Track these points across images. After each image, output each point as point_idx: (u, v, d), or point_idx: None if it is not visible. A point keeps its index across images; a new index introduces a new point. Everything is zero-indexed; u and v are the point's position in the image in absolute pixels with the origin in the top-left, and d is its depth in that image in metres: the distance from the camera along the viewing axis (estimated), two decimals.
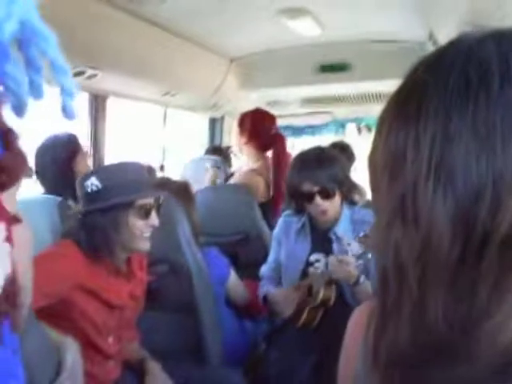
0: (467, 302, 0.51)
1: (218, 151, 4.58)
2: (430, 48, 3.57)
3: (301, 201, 2.54)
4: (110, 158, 3.77)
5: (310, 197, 2.47)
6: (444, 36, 3.17)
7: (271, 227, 3.45)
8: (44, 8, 1.83)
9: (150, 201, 2.10)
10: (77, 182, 2.09)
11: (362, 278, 2.32)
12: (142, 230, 2.07)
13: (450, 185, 0.50)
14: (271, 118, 3.85)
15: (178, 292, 2.48)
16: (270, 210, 3.68)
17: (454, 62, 0.55)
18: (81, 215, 2.06)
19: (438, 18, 3.13)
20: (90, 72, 3.11)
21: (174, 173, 4.10)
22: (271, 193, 3.73)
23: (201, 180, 3.47)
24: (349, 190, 2.60)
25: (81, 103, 3.61)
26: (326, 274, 2.42)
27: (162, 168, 4.47)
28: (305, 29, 3.64)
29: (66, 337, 1.61)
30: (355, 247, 2.29)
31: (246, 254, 3.25)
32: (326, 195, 2.46)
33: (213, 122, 5.20)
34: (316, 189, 2.45)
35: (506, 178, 0.48)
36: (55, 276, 1.89)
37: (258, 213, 3.48)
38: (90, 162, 3.30)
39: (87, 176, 2.04)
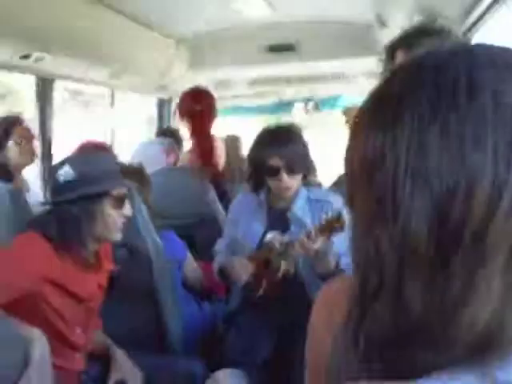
0: (443, 292, 0.55)
1: (169, 133, 4.54)
2: (378, 31, 3.63)
3: (266, 175, 2.54)
4: (58, 141, 3.70)
5: (275, 171, 2.49)
6: (393, 19, 3.23)
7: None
8: None
9: (124, 190, 2.07)
10: (48, 171, 2.04)
11: (325, 254, 2.36)
12: (116, 220, 2.05)
13: (426, 185, 0.55)
14: (199, 95, 3.85)
15: (138, 277, 2.47)
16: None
17: (425, 75, 0.59)
18: (52, 205, 2.01)
19: (386, 2, 3.18)
20: (36, 55, 3.03)
21: (123, 155, 4.04)
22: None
23: (153, 162, 3.43)
24: (308, 170, 2.64)
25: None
26: (287, 249, 2.45)
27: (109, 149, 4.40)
28: (254, 9, 3.64)
29: (34, 329, 1.59)
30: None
31: (201, 237, 3.25)
32: (292, 171, 2.49)
33: (161, 104, 5.15)
34: (282, 164, 2.47)
35: (476, 178, 0.53)
36: (23, 269, 1.84)
37: (213, 195, 3.49)
38: (37, 146, 3.25)
39: (59, 165, 1.99)
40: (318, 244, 2.31)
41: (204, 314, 2.96)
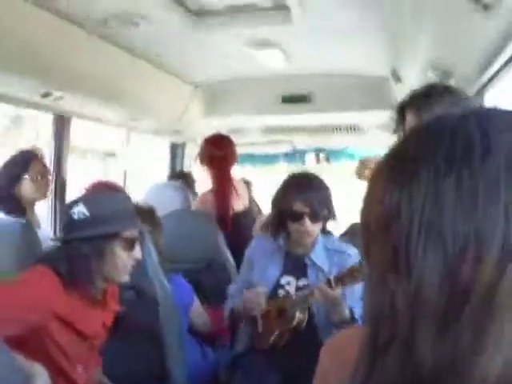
0: (454, 346, 0.56)
1: (182, 177, 4.58)
2: (392, 84, 3.68)
3: (289, 219, 2.59)
4: (72, 180, 3.74)
5: (299, 216, 2.54)
6: (407, 74, 3.28)
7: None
8: (14, 30, 1.85)
9: (135, 233, 2.09)
10: (60, 208, 2.07)
11: (342, 302, 2.40)
12: (125, 262, 2.06)
13: (439, 242, 0.57)
14: (221, 141, 4.00)
15: (144, 319, 2.47)
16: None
17: (440, 136, 0.62)
18: (63, 242, 2.03)
19: (402, 56, 3.24)
20: (56, 94, 3.09)
21: (136, 197, 4.07)
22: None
23: (165, 206, 3.46)
24: (329, 218, 2.69)
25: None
26: (304, 298, 2.47)
27: (123, 190, 4.44)
28: (271, 60, 3.71)
29: (37, 364, 1.59)
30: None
31: (208, 282, 3.25)
32: (315, 217, 2.55)
33: (174, 148, 5.21)
34: (307, 210, 2.53)
35: (486, 238, 0.55)
36: (31, 303, 1.85)
37: (222, 241, 3.50)
38: (49, 184, 3.28)
39: (74, 203, 2.01)
40: (337, 292, 2.35)
41: (208, 360, 2.94)
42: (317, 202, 2.54)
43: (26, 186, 2.99)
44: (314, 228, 2.58)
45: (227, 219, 3.82)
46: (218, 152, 3.89)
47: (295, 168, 5.72)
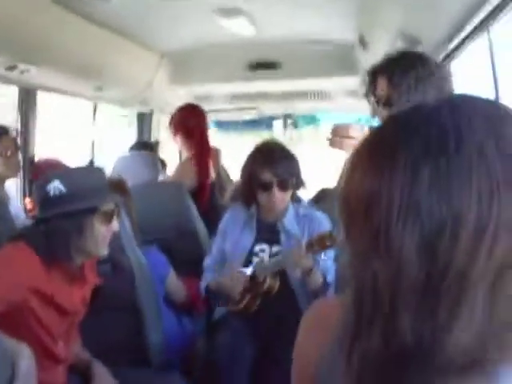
0: (431, 319, 0.62)
1: (147, 146, 4.56)
2: (359, 50, 3.70)
3: (258, 190, 2.63)
4: (40, 153, 3.70)
5: (268, 186, 2.60)
6: (374, 41, 3.30)
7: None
8: None
9: (112, 206, 2.09)
10: (36, 185, 2.05)
11: (316, 268, 2.45)
12: (104, 236, 2.06)
13: (416, 222, 0.61)
14: (198, 112, 4.01)
15: (120, 291, 2.48)
16: (201, 194, 3.82)
17: (417, 126, 0.66)
18: (40, 219, 2.02)
19: (369, 23, 3.25)
20: (22, 67, 3.04)
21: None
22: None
23: (134, 176, 3.44)
24: (298, 186, 2.74)
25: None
26: (276, 264, 2.53)
27: (91, 163, 4.41)
28: (238, 28, 3.69)
29: (21, 344, 1.60)
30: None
31: (181, 251, 3.26)
32: (284, 187, 2.61)
33: (141, 117, 5.16)
34: (276, 179, 2.59)
35: (461, 219, 0.60)
36: (11, 280, 1.85)
37: (194, 210, 3.52)
38: (19, 159, 3.24)
39: (48, 179, 1.99)
40: (310, 259, 2.39)
41: (185, 329, 2.97)
42: (284, 171, 2.60)
43: None
44: (284, 196, 2.63)
45: (207, 187, 3.86)
46: (194, 121, 3.90)
47: (264, 135, 5.76)
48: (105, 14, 3.25)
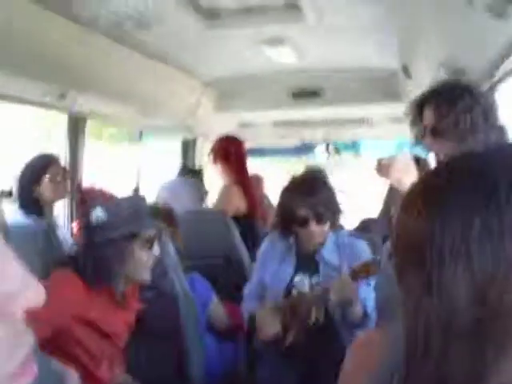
0: (479, 361, 0.63)
1: (194, 173, 4.62)
2: (402, 79, 3.71)
3: (294, 224, 2.60)
4: (87, 180, 3.79)
5: (304, 221, 2.56)
6: (418, 70, 3.30)
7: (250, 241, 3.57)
8: (29, 34, 1.89)
9: (153, 232, 2.13)
10: (79, 212, 2.11)
11: (357, 302, 2.38)
12: (145, 261, 2.10)
13: (467, 270, 0.63)
14: (237, 142, 4.08)
15: (163, 318, 2.51)
16: (249, 221, 3.85)
17: (469, 175, 0.68)
18: (84, 245, 2.08)
19: (413, 52, 3.26)
20: (71, 95, 3.13)
21: (149, 194, 4.11)
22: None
23: (179, 202, 3.50)
24: (336, 217, 2.69)
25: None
26: (321, 295, 2.46)
27: (136, 190, 4.48)
28: (282, 57, 3.74)
29: (67, 367, 1.63)
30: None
31: (224, 277, 3.29)
32: (320, 220, 2.56)
33: (186, 144, 5.24)
34: (311, 214, 2.54)
35: (510, 270, 0.61)
36: (58, 308, 1.90)
37: (237, 236, 3.54)
38: (67, 185, 3.33)
39: (91, 207, 2.06)
40: (353, 289, 2.35)
41: (226, 355, 2.98)
42: (320, 205, 2.55)
43: (46, 187, 3.07)
44: (321, 229, 2.59)
45: (256, 214, 3.92)
46: (234, 149, 3.98)
47: (306, 161, 5.77)
48: (149, 43, 3.34)
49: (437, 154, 2.19)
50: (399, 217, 0.74)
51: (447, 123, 2.02)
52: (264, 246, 2.86)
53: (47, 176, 3.07)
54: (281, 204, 2.69)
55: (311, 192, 2.57)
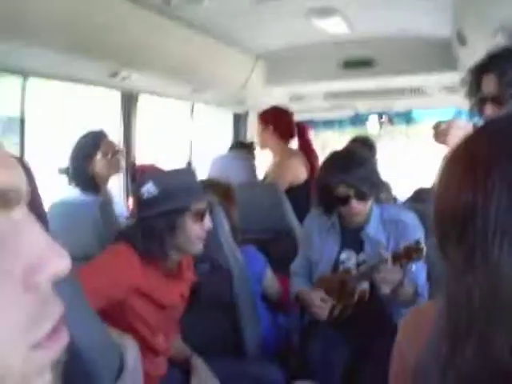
0: None
1: (245, 146, 4.64)
2: (456, 46, 3.61)
3: (335, 203, 2.54)
4: (141, 155, 3.85)
5: (345, 199, 2.48)
6: (473, 36, 3.21)
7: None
8: (81, 12, 1.93)
9: (203, 205, 2.16)
10: (133, 188, 2.15)
11: (406, 281, 2.32)
12: (197, 233, 2.14)
13: None
14: (291, 113, 4.13)
15: (218, 290, 2.56)
16: (310, 189, 3.78)
17: (509, 142, 0.65)
18: (137, 219, 2.13)
19: (467, 18, 3.17)
20: (124, 72, 3.18)
21: (201, 168, 4.15)
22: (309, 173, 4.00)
23: (232, 176, 3.53)
24: (378, 192, 2.62)
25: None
26: (364, 275, 2.45)
27: (189, 164, 4.54)
28: (332, 27, 3.70)
29: (127, 337, 1.69)
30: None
31: (276, 251, 3.31)
32: (362, 197, 2.49)
33: (237, 118, 5.25)
34: (352, 192, 2.47)
35: None
36: (114, 279, 1.96)
37: (290, 209, 3.56)
38: (122, 160, 3.39)
39: (143, 182, 2.10)
40: (398, 273, 2.28)
41: (280, 326, 3.02)
42: (360, 182, 2.45)
43: (99, 164, 3.11)
44: (363, 206, 2.52)
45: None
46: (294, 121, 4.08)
47: (359, 131, 5.72)
48: (199, 18, 3.34)
49: None
50: (439, 188, 0.72)
51: (510, 91, 1.93)
52: (307, 223, 2.83)
53: (99, 153, 3.11)
54: (319, 182, 2.61)
55: (348, 168, 2.46)
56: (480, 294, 0.63)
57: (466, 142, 0.72)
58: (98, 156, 3.11)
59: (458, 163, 0.71)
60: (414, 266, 2.34)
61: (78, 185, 3.04)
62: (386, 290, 2.30)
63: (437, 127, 2.20)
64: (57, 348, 0.50)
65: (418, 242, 2.27)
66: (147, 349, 2.12)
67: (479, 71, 2.04)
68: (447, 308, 0.70)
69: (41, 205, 1.57)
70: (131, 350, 1.63)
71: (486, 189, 0.63)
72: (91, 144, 3.12)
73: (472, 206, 0.64)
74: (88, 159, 3.09)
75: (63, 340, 0.51)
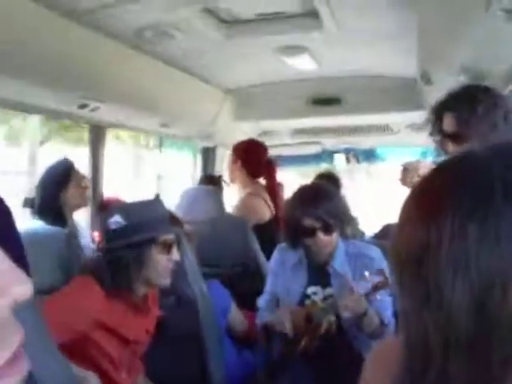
0: (486, 370, 0.61)
1: (213, 180, 4.64)
2: (422, 86, 3.69)
3: (301, 236, 2.55)
4: (108, 187, 3.83)
5: (311, 232, 2.50)
6: (438, 77, 3.29)
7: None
8: (50, 44, 1.93)
9: (171, 236, 2.15)
10: (100, 219, 2.14)
11: (370, 310, 2.35)
12: (165, 266, 2.12)
13: (466, 277, 0.61)
14: (263, 148, 4.15)
15: (184, 323, 2.53)
16: (274, 229, 3.83)
17: (464, 177, 0.66)
18: (103, 251, 2.10)
19: (431, 60, 3.25)
20: (93, 105, 3.17)
21: (169, 201, 4.14)
22: (273, 212, 3.98)
23: (200, 210, 3.52)
24: (344, 225, 2.63)
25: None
26: (331, 307, 2.45)
27: (157, 196, 4.50)
28: (301, 64, 3.75)
29: (88, 372, 1.66)
30: (362, 286, 2.35)
31: (243, 285, 3.29)
32: (328, 230, 2.50)
33: (206, 152, 5.26)
34: (318, 224, 2.48)
35: (509, 275, 0.59)
36: (77, 313, 1.93)
37: (257, 245, 3.55)
38: (88, 192, 3.35)
39: (110, 213, 2.09)
40: (362, 302, 2.31)
41: (245, 360, 2.99)
42: (327, 215, 2.47)
43: (71, 193, 3.04)
44: (329, 239, 2.53)
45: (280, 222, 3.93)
46: (265, 157, 4.09)
47: (326, 168, 5.77)
48: (171, 52, 3.36)
49: None
50: (397, 224, 0.73)
51: (468, 127, 1.99)
52: (274, 258, 2.83)
53: (72, 183, 3.05)
54: (287, 215, 2.64)
55: (316, 201, 2.50)
56: (435, 332, 0.64)
57: (422, 180, 0.74)
58: (71, 186, 3.05)
59: (414, 200, 0.72)
60: (378, 297, 2.36)
61: (43, 216, 2.95)
62: (346, 314, 2.34)
63: (404, 171, 2.24)
64: (17, 376, 0.49)
65: (382, 272, 2.31)
66: None
67: (440, 110, 2.11)
68: (406, 342, 0.71)
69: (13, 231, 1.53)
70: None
71: (439, 224, 0.64)
72: (62, 173, 3.06)
73: (425, 243, 0.65)
74: (59, 188, 3.01)
75: (24, 368, 0.50)
